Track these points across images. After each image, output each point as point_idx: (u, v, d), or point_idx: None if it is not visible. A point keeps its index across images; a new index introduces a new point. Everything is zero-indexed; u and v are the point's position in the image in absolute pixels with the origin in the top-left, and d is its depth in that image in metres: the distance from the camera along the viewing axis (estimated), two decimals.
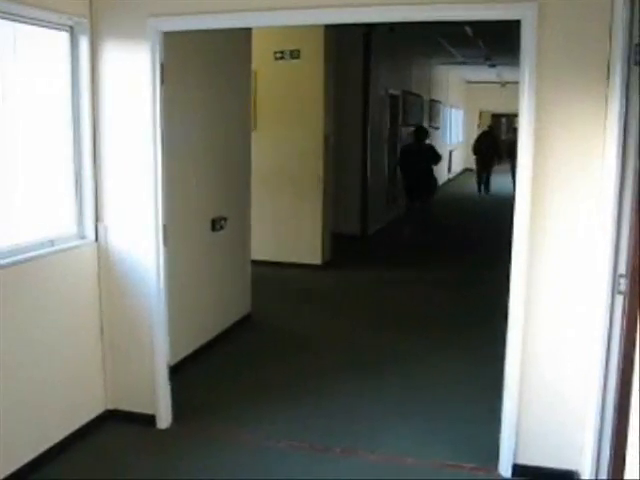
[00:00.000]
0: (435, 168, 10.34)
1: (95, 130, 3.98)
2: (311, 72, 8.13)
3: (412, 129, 11.12)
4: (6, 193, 3.60)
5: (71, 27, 3.82)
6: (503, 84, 20.21)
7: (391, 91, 11.93)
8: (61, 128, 3.92)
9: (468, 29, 9.84)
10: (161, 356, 4.11)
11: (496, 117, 25.34)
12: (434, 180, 10.48)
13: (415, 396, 4.67)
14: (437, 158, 10.14)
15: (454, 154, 21.85)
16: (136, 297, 4.07)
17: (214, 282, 5.62)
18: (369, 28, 9.69)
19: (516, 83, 3.38)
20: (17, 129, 3.64)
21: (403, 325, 6.32)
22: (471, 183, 18.68)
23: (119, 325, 4.14)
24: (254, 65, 6.49)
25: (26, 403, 3.58)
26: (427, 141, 10.47)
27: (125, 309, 4.11)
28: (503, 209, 3.41)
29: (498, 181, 17.76)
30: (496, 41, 11.09)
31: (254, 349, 5.64)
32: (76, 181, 4.00)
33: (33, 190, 3.79)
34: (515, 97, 3.37)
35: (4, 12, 3.34)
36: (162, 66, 3.86)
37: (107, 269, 4.08)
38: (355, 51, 9.93)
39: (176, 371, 4.47)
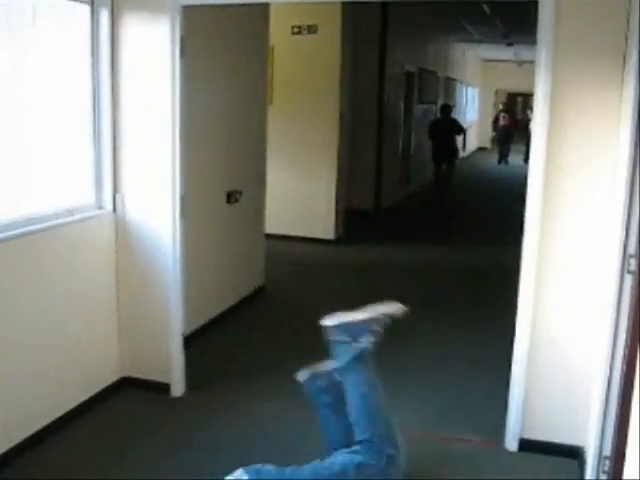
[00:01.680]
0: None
1: (114, 102, 4.01)
2: (328, 48, 8.10)
3: (440, 105, 13.42)
4: (26, 163, 3.64)
5: (92, 0, 3.85)
6: (520, 63, 20.06)
7: (407, 68, 11.88)
8: (81, 99, 3.95)
9: (486, 7, 9.77)
10: (176, 326, 4.17)
11: (512, 96, 25.20)
12: (456, 148, 12.69)
13: (425, 371, 4.73)
14: (460, 130, 12.29)
15: (469, 132, 21.76)
16: (152, 267, 4.11)
17: (229, 254, 5.67)
18: (386, 4, 9.63)
19: (533, 62, 3.38)
20: (37, 100, 3.67)
21: (413, 301, 6.30)
22: (487, 160, 18.75)
23: (135, 295, 4.19)
24: (271, 40, 6.48)
25: (43, 369, 3.65)
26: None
27: (141, 279, 4.16)
28: (520, 181, 3.43)
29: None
30: (514, 20, 11.01)
31: (267, 321, 5.69)
32: (95, 152, 4.03)
33: (52, 160, 3.83)
34: (532, 77, 3.37)
35: None
36: (182, 39, 3.88)
37: (124, 240, 4.13)
38: (372, 27, 9.87)
39: (190, 341, 4.54)
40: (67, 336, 3.82)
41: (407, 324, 5.64)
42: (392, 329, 5.48)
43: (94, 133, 4.01)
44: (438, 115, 13.30)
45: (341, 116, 8.32)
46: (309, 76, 8.19)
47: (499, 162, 19.81)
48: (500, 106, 20.72)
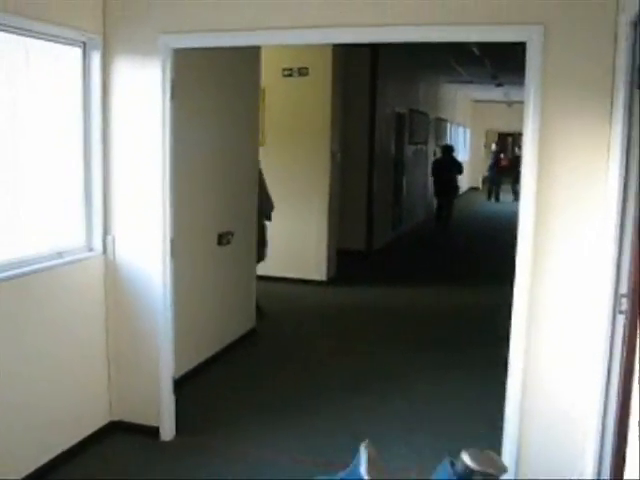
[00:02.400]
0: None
1: (105, 144, 4.05)
2: (319, 89, 8.20)
3: (442, 146, 14.68)
4: (16, 205, 3.65)
5: (84, 43, 3.90)
6: (510, 104, 20.30)
7: (397, 109, 12.01)
8: (72, 141, 3.99)
9: (475, 49, 9.91)
10: (166, 369, 4.14)
11: (502, 136, 25.43)
12: (457, 185, 14.35)
13: (418, 413, 4.69)
14: (460, 169, 13.76)
15: None
16: (142, 310, 4.10)
17: (220, 296, 5.65)
18: (376, 46, 9.77)
19: (522, 103, 3.42)
20: (28, 142, 3.69)
21: (406, 343, 6.34)
22: (478, 199, 18.97)
23: (125, 337, 4.18)
24: (263, 81, 6.56)
25: (31, 413, 3.61)
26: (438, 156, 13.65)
27: (131, 322, 4.15)
28: (511, 218, 3.45)
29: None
30: (503, 61, 11.15)
31: (258, 364, 5.66)
32: (85, 193, 4.06)
33: (43, 201, 3.85)
34: (522, 116, 3.41)
35: (20, 28, 3.42)
36: (172, 82, 3.92)
37: (114, 281, 4.13)
38: (362, 69, 10.00)
39: (180, 384, 4.50)
40: (55, 379, 3.79)
41: (400, 367, 5.69)
42: (388, 371, 5.50)
43: (85, 175, 4.04)
44: (439, 155, 14.43)
45: (332, 157, 8.38)
46: (300, 117, 8.27)
47: (489, 198, 20.39)
48: (493, 146, 20.98)
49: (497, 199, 20.21)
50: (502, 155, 20.79)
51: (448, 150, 13.73)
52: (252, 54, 6.09)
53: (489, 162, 20.96)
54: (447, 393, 5.07)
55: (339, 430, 4.39)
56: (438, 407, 4.81)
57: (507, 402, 3.56)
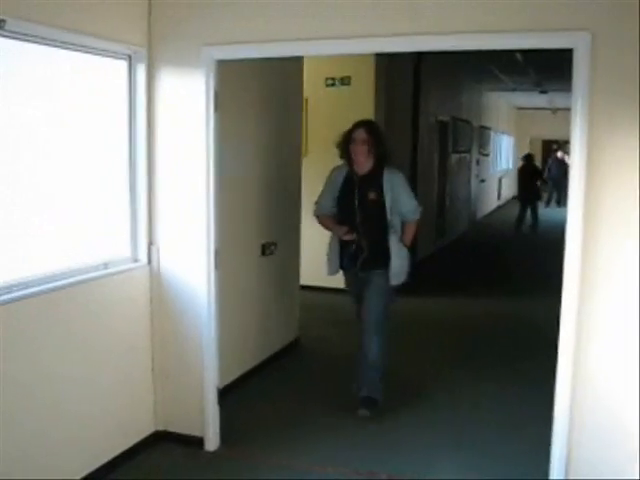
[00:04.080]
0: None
1: (150, 154, 4.09)
2: (361, 99, 8.18)
3: (524, 154, 15.94)
4: (62, 215, 3.70)
5: (129, 56, 3.96)
6: (554, 111, 20.03)
7: (441, 117, 11.95)
8: (117, 152, 4.04)
9: (518, 56, 9.82)
10: (211, 379, 4.17)
11: (547, 143, 25.13)
12: (539, 191, 15.53)
13: (465, 425, 4.64)
14: (541, 176, 15.60)
15: (503, 181, 21.70)
16: (187, 320, 4.14)
17: (263, 307, 5.67)
18: (419, 55, 9.74)
19: (568, 109, 3.36)
20: (74, 152, 3.74)
21: (453, 353, 6.28)
22: None
23: (170, 348, 4.21)
24: (305, 91, 6.58)
25: (76, 422, 3.66)
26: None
27: (176, 332, 4.19)
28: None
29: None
30: (547, 68, 11.04)
31: (302, 374, 5.65)
32: (131, 204, 4.10)
33: (89, 212, 3.89)
34: (567, 124, 3.35)
35: (68, 42, 3.48)
36: (216, 93, 3.96)
37: (159, 292, 4.17)
38: (405, 77, 9.96)
39: (224, 394, 4.50)
40: (101, 389, 3.83)
41: (446, 379, 5.62)
42: (435, 382, 5.44)
43: (130, 185, 4.09)
44: (521, 163, 15.62)
45: None
46: (343, 127, 8.22)
47: (548, 204, 19.98)
48: (559, 154, 20.57)
49: (559, 203, 19.40)
50: (559, 153, 20.13)
51: (529, 158, 15.00)
52: (295, 64, 6.12)
53: (548, 165, 20.63)
54: (496, 407, 5.01)
55: (384, 442, 4.37)
56: (486, 421, 4.74)
57: (556, 404, 3.47)
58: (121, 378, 3.99)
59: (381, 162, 4.69)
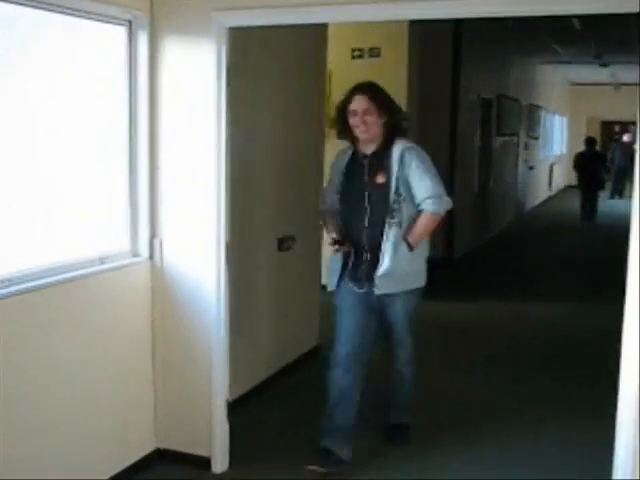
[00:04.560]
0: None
1: (152, 135, 4.08)
2: (392, 73, 8.14)
3: (585, 137, 16.72)
4: (52, 204, 3.70)
5: (129, 21, 3.95)
6: (617, 86, 19.82)
7: (483, 95, 11.90)
8: (115, 133, 4.04)
9: (576, 22, 9.74)
10: (219, 391, 4.18)
11: (607, 125, 24.92)
12: (602, 178, 16.08)
13: (512, 459, 4.54)
14: (604, 161, 16.42)
15: (555, 168, 21.56)
16: (193, 323, 4.15)
17: (279, 309, 5.68)
18: (459, 24, 9.69)
19: (634, 85, 3.32)
20: (65, 134, 3.74)
21: (496, 369, 6.25)
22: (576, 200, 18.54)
23: (173, 354, 4.23)
24: (329, 64, 6.58)
25: (67, 437, 3.66)
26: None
27: (181, 336, 4.20)
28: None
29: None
30: (609, 36, 10.94)
31: (321, 386, 5.64)
32: (130, 191, 4.09)
33: (82, 201, 3.89)
34: (632, 102, 3.31)
35: (60, 6, 3.49)
36: (228, 66, 3.97)
37: (162, 290, 4.18)
38: (443, 49, 9.93)
39: (235, 408, 4.55)
40: (94, 399, 3.82)
41: (493, 401, 5.55)
42: (474, 403, 5.40)
43: (130, 171, 4.08)
44: (583, 149, 16.22)
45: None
46: None
47: (612, 196, 20.01)
48: (625, 137, 20.53)
49: (621, 194, 19.69)
50: (626, 136, 20.11)
51: (591, 142, 15.84)
52: (318, 33, 6.11)
53: (611, 150, 20.53)
54: (552, 428, 4.96)
55: (405, 459, 4.38)
56: (543, 442, 4.72)
57: (619, 412, 3.42)
58: (117, 388, 4.00)
59: (393, 134, 4.23)
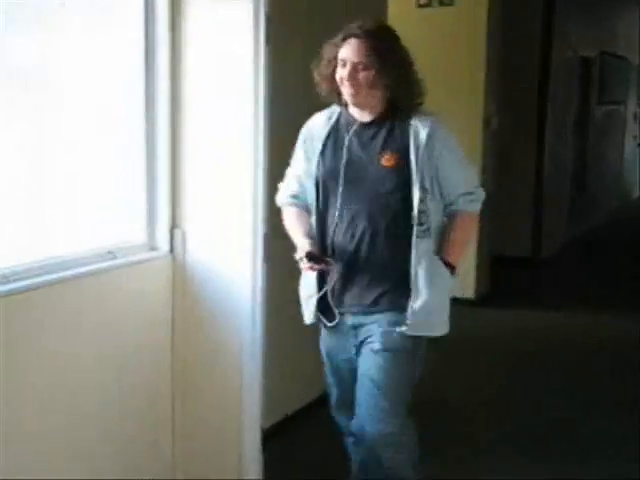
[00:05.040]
0: None
1: (174, 105, 4.12)
2: (468, 25, 8.16)
3: None
4: (54, 191, 3.77)
5: None
6: None
7: (583, 52, 11.80)
8: (129, 106, 4.10)
9: None
10: (252, 415, 4.21)
11: None
12: None
13: None
14: None
15: None
16: (222, 332, 4.18)
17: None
18: None
19: None
20: (70, 108, 3.81)
21: (591, 394, 6.21)
22: None
23: (197, 368, 4.24)
24: (390, 14, 6.62)
25: (69, 459, 3.69)
26: None
27: (206, 347, 4.23)
28: None
29: None
30: None
31: None
32: (147, 174, 4.13)
33: (89, 187, 3.95)
34: None
35: None
36: (268, 18, 3.99)
37: (184, 291, 4.19)
38: None
39: (271, 437, 4.59)
40: (102, 418, 3.86)
41: (581, 431, 5.50)
42: (560, 432, 5.38)
43: (146, 147, 4.11)
44: None
45: (486, 123, 8.35)
46: (441, 64, 8.17)
47: None
48: None
49: None
50: None
51: None
52: None
53: None
54: None
55: None
56: None
57: None
58: (129, 406, 4.02)
59: (401, 103, 3.59)
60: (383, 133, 3.56)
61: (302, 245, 3.55)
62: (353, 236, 3.53)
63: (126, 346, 4.01)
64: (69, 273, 3.68)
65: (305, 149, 3.73)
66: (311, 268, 3.52)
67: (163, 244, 4.21)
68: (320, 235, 3.64)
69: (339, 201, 3.56)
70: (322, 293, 3.65)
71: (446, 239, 3.59)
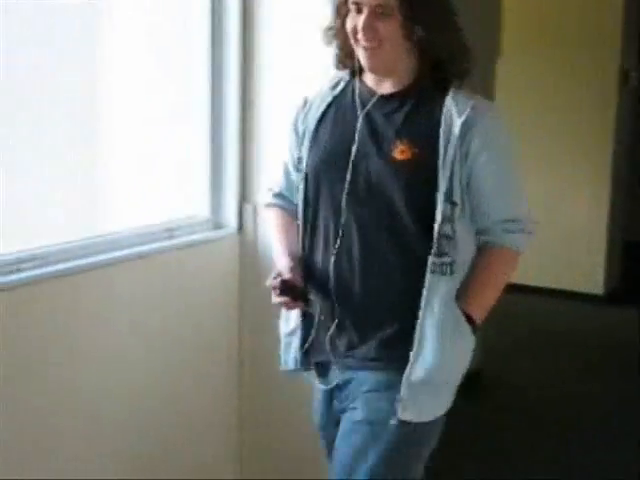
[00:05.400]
0: None
1: (245, 56, 4.17)
2: None
3: None
4: (106, 163, 3.95)
5: None
6: None
7: None
8: (190, 53, 4.17)
9: None
10: None
11: None
12: None
13: None
14: None
15: None
16: None
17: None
18: None
19: None
20: (131, 76, 4.01)
21: None
22: None
23: (267, 359, 4.09)
24: None
25: (115, 459, 3.74)
26: None
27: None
28: None
29: None
30: None
31: (482, 420, 5.69)
32: (212, 139, 4.13)
33: (145, 157, 4.06)
34: None
35: None
36: None
37: (254, 274, 4.13)
38: None
39: None
40: (157, 414, 3.90)
41: None
42: None
43: (211, 107, 4.11)
44: None
45: (623, 78, 8.13)
46: (565, 9, 8.11)
47: None
48: None
49: None
50: None
51: None
52: None
53: None
54: None
55: None
56: None
57: None
58: (189, 400, 4.02)
59: (435, 71, 2.88)
60: (402, 113, 2.83)
61: (281, 266, 2.96)
62: (350, 260, 2.86)
63: (186, 332, 4.02)
64: (120, 254, 3.70)
65: (297, 131, 3.07)
66: (285, 305, 2.92)
67: (230, 221, 4.19)
68: (306, 253, 3.03)
69: (337, 207, 2.89)
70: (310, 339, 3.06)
71: (470, 280, 2.87)
